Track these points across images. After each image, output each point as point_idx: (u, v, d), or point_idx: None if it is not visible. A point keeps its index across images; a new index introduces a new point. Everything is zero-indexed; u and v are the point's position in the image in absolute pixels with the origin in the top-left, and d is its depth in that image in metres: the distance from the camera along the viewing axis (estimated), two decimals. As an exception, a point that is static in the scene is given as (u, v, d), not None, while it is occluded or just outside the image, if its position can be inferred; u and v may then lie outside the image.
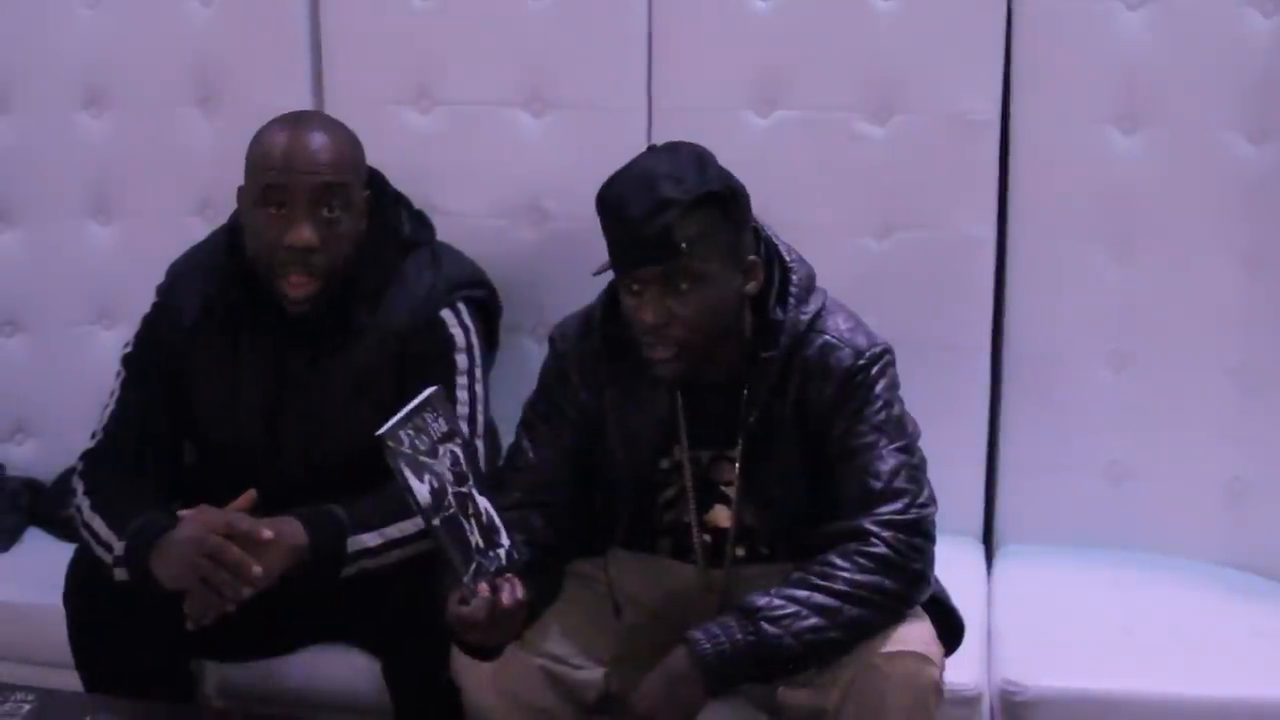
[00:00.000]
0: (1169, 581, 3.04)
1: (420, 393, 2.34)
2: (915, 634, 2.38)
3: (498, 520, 2.33)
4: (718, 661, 2.32)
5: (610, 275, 2.48)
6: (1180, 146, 3.01)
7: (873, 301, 3.01)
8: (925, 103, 3.06)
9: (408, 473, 2.28)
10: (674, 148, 2.48)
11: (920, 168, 3.09)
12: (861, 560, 2.36)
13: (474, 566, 2.30)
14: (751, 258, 2.47)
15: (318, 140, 2.70)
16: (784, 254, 2.54)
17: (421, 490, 2.28)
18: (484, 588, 2.28)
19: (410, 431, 2.29)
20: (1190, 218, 3.03)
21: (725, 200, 2.42)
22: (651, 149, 2.51)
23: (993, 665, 2.78)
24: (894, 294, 3.10)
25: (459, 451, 2.33)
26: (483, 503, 2.33)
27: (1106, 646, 2.80)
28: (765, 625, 2.32)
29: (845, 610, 2.33)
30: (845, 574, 2.35)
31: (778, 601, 2.34)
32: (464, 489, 2.32)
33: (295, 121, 2.75)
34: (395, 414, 2.28)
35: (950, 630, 2.53)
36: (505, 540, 2.33)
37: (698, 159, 2.43)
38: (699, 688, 2.33)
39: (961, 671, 2.62)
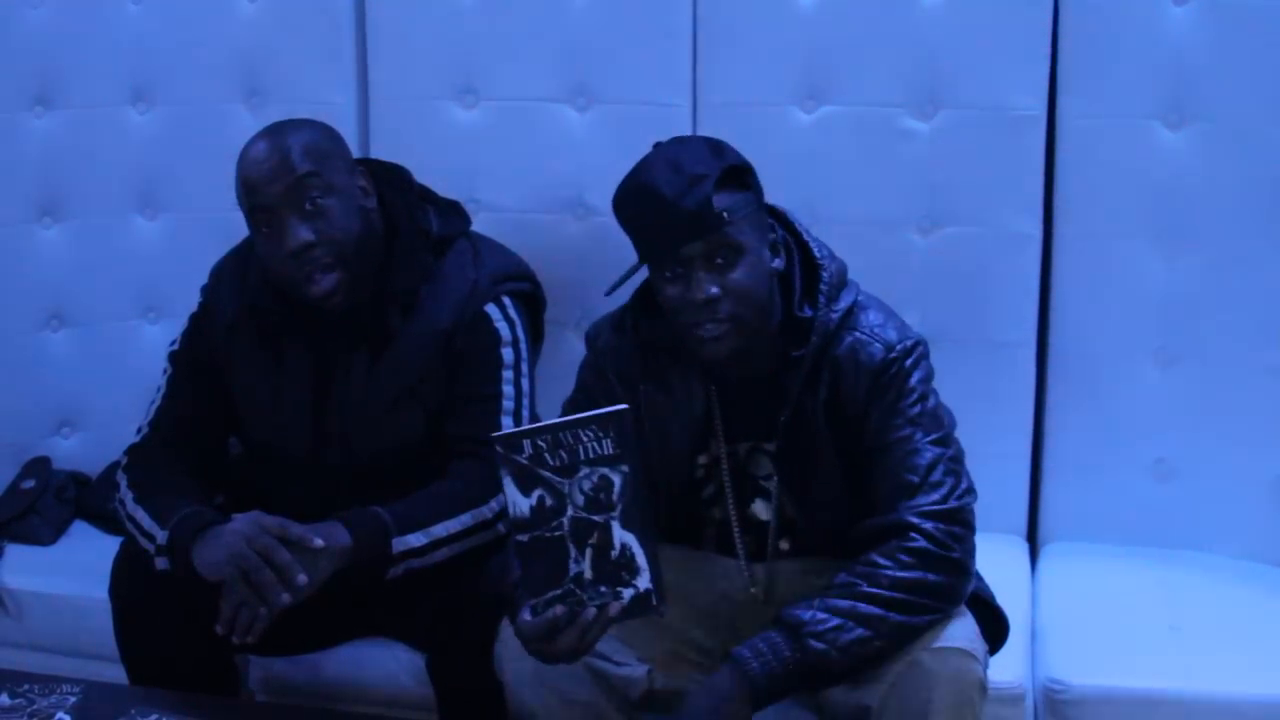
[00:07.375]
0: (1214, 580, 3.02)
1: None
2: (960, 631, 2.37)
3: (642, 560, 2.29)
4: (766, 682, 2.31)
5: (625, 281, 2.47)
6: (1227, 142, 2.99)
7: (918, 297, 3.02)
8: (971, 98, 3.05)
9: (509, 482, 2.26)
10: (680, 139, 2.49)
11: (966, 163, 3.08)
12: (903, 557, 2.35)
13: (558, 593, 2.27)
14: (772, 235, 2.48)
15: (267, 147, 2.67)
16: (814, 251, 2.52)
17: (520, 503, 2.26)
18: (558, 609, 2.28)
19: (542, 442, 2.24)
20: (1237, 214, 3.00)
21: (746, 173, 2.44)
22: (657, 145, 2.49)
23: (1036, 663, 2.78)
24: (939, 290, 3.09)
25: (616, 479, 2.27)
26: (624, 538, 2.27)
27: (1151, 645, 2.79)
28: (811, 642, 2.30)
29: (890, 618, 2.32)
30: (888, 573, 2.34)
31: (821, 615, 2.32)
32: (599, 517, 2.27)
33: (252, 143, 2.71)
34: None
35: (995, 629, 2.52)
36: (643, 582, 2.29)
37: (708, 142, 2.45)
38: (746, 707, 2.32)
39: (1005, 669, 2.62)
